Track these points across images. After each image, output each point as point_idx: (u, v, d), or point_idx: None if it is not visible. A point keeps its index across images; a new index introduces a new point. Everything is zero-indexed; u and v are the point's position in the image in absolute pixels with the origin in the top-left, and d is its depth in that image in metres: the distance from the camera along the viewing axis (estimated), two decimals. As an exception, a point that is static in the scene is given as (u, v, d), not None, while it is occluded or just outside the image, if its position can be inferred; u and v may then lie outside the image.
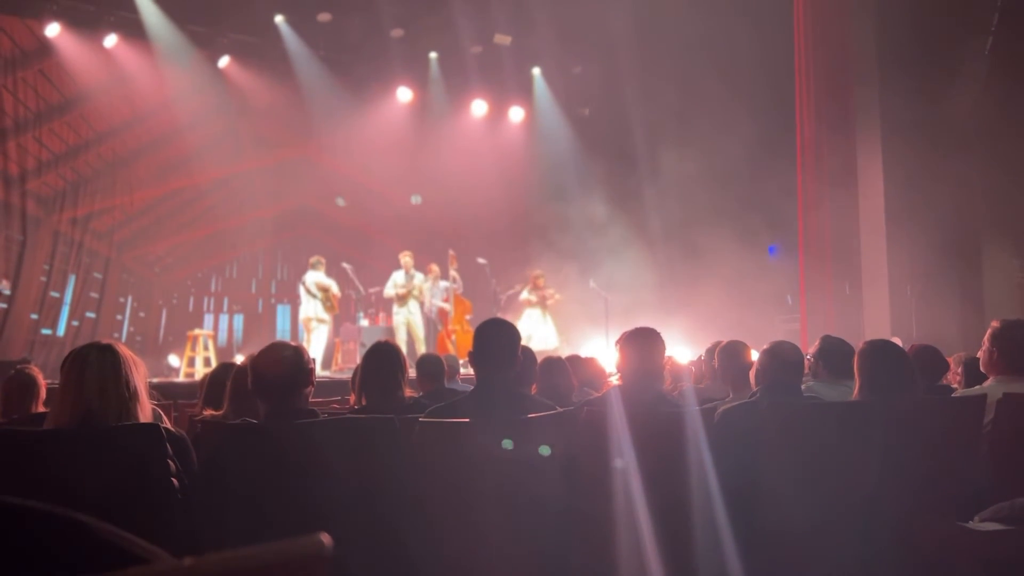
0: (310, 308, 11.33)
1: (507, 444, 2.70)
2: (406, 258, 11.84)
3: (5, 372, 4.83)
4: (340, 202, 14.95)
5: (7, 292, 9.09)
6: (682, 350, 9.35)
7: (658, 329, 3.34)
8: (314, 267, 11.46)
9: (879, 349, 3.28)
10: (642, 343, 3.27)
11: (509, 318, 6.60)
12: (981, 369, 3.68)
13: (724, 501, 2.77)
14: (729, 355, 4.00)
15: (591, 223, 12.89)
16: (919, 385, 3.28)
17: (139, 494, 2.47)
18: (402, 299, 11.77)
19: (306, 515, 2.57)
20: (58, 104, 11.97)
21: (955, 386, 4.38)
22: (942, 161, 9.74)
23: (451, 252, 12.18)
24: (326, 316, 11.44)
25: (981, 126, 10.21)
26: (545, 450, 2.78)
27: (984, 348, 3.60)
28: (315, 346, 11.07)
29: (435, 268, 12.23)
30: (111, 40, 11.56)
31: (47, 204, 11.84)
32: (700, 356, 5.97)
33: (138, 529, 0.80)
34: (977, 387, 3.61)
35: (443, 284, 12.15)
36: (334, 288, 11.47)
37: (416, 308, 11.90)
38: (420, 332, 11.90)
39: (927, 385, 3.82)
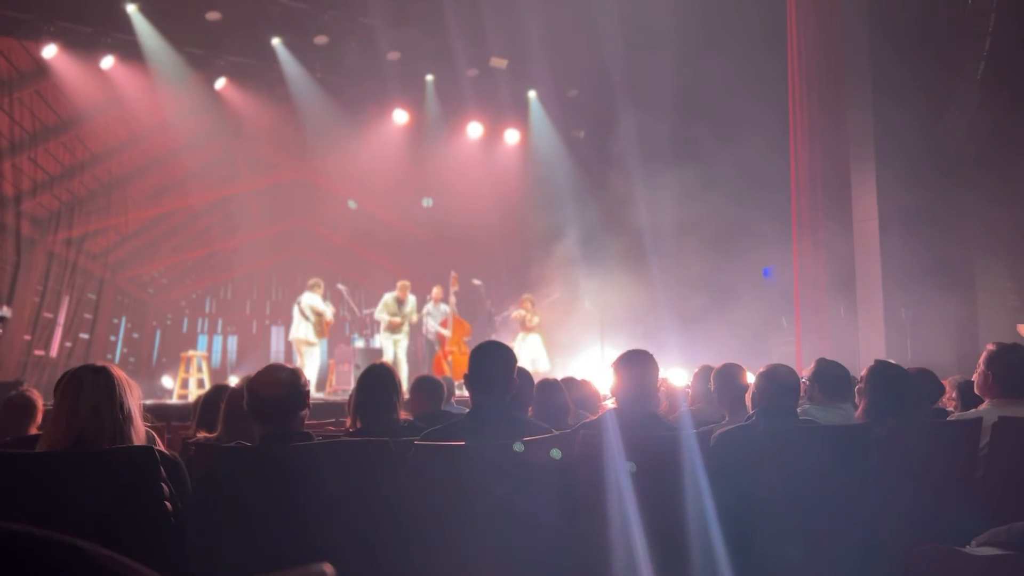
0: (300, 330, 11.25)
1: (518, 447, 2.69)
2: (402, 284, 11.80)
3: (-1, 394, 4.79)
4: (352, 204, 14.78)
5: (8, 316, 9.06)
6: (677, 372, 9.34)
7: (652, 351, 3.34)
8: (312, 289, 11.38)
9: (888, 370, 3.29)
10: (636, 366, 3.27)
11: (504, 339, 6.60)
12: (976, 392, 3.68)
13: (720, 524, 2.76)
14: (725, 378, 3.99)
15: (586, 244, 12.91)
16: (924, 408, 3.28)
17: (132, 517, 2.45)
18: (393, 327, 11.70)
19: (301, 539, 2.55)
20: (54, 125, 11.96)
21: (951, 409, 4.37)
22: (935, 186, 9.80)
23: (453, 274, 12.12)
24: (315, 339, 11.36)
25: (974, 151, 10.29)
26: (556, 454, 2.77)
27: (979, 371, 3.60)
28: (309, 368, 11.00)
29: (437, 291, 12.18)
30: (108, 62, 11.57)
31: (42, 225, 11.81)
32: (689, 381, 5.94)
33: (131, 552, 0.80)
34: (973, 411, 3.60)
35: (443, 308, 12.10)
36: (328, 315, 11.38)
37: (405, 338, 11.81)
38: (403, 361, 11.78)
39: (923, 408, 3.81)
